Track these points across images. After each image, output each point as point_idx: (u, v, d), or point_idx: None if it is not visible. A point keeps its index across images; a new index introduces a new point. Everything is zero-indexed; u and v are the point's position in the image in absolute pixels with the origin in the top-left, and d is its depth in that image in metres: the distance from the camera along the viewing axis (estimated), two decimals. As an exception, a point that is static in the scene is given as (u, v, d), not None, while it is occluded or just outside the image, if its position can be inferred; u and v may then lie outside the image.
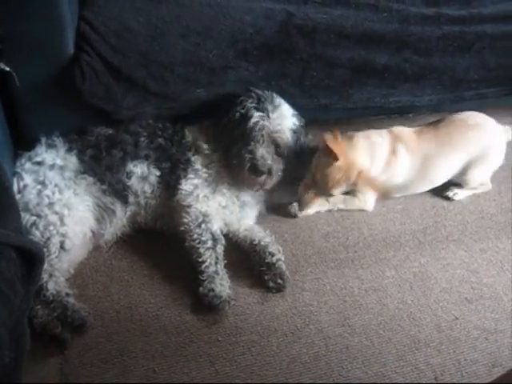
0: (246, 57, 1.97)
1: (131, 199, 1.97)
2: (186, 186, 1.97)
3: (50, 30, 1.80)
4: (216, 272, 1.83)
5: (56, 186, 1.85)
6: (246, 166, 1.93)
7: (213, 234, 1.91)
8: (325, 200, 2.16)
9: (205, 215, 1.93)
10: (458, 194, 2.30)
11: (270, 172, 1.96)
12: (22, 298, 1.26)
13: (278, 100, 2.01)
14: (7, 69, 1.82)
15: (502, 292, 1.95)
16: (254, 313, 1.82)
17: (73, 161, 1.93)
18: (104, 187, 1.93)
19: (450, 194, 2.30)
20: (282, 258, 1.94)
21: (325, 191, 2.07)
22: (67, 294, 1.74)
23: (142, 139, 1.99)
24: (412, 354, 1.74)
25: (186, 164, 2.00)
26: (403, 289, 1.93)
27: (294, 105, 2.07)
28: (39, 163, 1.89)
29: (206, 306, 1.79)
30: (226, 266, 1.90)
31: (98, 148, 1.96)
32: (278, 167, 1.99)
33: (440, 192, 2.32)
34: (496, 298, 1.93)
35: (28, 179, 1.85)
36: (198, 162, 2.00)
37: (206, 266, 1.84)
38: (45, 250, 1.73)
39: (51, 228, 1.78)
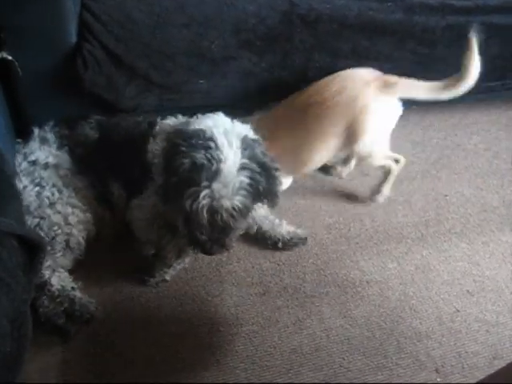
0: (248, 47, 1.96)
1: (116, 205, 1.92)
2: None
3: (52, 18, 1.79)
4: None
5: (54, 185, 1.82)
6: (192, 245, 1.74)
7: None
8: None
9: None
10: None
11: (223, 247, 1.72)
12: (24, 287, 1.26)
13: (223, 152, 1.61)
14: (9, 57, 1.81)
15: (504, 285, 1.94)
16: (256, 304, 1.82)
17: (65, 158, 1.88)
18: (95, 192, 1.90)
19: None
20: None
21: None
22: (73, 288, 1.74)
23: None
24: (413, 346, 1.74)
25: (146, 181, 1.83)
26: (405, 281, 1.93)
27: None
28: (34, 162, 1.85)
29: None
30: (230, 261, 1.91)
31: (86, 150, 1.89)
32: (231, 236, 1.71)
33: (442, 184, 2.32)
34: (498, 290, 1.92)
35: (26, 181, 1.81)
36: (153, 186, 1.81)
37: None
38: (49, 248, 1.72)
39: (55, 228, 1.76)
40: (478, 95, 2.37)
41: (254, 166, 1.64)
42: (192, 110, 1.97)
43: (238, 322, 1.77)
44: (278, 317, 1.79)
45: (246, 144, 1.66)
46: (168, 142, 1.71)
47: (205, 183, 1.57)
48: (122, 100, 1.97)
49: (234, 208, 1.61)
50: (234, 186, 1.59)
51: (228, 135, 1.64)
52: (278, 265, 1.95)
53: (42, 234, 1.73)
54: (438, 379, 1.68)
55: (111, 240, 1.93)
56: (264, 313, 1.80)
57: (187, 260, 1.88)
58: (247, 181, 1.62)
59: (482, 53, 1.83)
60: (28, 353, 1.16)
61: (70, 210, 1.80)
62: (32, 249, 1.35)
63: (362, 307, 1.84)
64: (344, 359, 1.70)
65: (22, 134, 1.96)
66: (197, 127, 1.68)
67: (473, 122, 2.46)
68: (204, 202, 1.58)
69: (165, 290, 1.84)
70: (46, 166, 1.85)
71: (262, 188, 1.66)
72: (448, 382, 1.67)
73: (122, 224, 1.90)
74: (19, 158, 1.88)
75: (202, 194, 1.57)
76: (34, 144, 1.90)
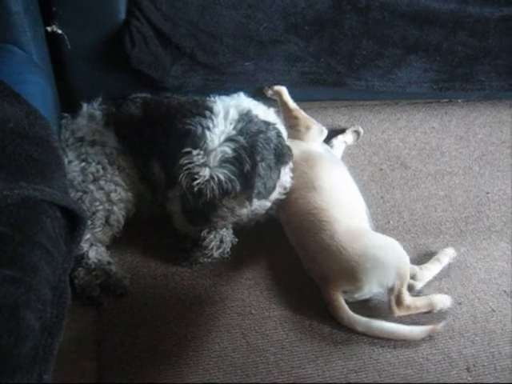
0: (296, 31, 1.94)
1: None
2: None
3: (102, -6, 1.81)
4: None
5: (99, 163, 1.84)
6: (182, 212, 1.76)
7: None
8: None
9: None
10: None
11: (206, 222, 1.72)
12: (65, 256, 1.29)
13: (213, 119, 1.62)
14: (59, 31, 1.84)
15: (542, 287, 1.90)
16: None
17: (111, 137, 1.90)
18: (138, 172, 1.92)
19: None
20: None
21: None
22: (109, 263, 1.77)
23: None
24: (445, 343, 1.72)
25: None
26: (440, 276, 1.89)
27: (340, 84, 2.02)
28: (81, 139, 1.88)
29: None
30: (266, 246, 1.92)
31: (131, 129, 1.91)
32: (217, 214, 1.70)
33: (484, 181, 2.26)
34: (536, 292, 1.88)
35: (71, 156, 1.84)
36: None
37: None
38: (89, 222, 1.74)
39: (97, 204, 1.79)
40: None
41: (241, 139, 1.59)
42: (235, 92, 1.97)
43: (271, 306, 1.77)
44: (311, 303, 1.78)
45: (243, 118, 1.63)
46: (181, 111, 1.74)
47: (187, 149, 1.58)
48: (168, 79, 1.98)
49: (212, 178, 1.58)
50: (215, 156, 1.57)
51: (229, 107, 1.64)
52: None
53: (84, 208, 1.75)
54: (469, 378, 1.65)
55: (149, 218, 1.95)
56: (296, 298, 1.80)
57: (228, 249, 1.86)
58: (231, 153, 1.59)
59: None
60: (66, 320, 1.19)
61: (112, 187, 1.82)
62: (73, 220, 1.38)
63: (395, 300, 1.82)
64: (374, 350, 1.69)
65: (68, 107, 1.99)
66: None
67: (520, 119, 2.39)
68: (184, 167, 1.58)
69: (199, 269, 1.85)
70: (93, 143, 1.88)
71: (246, 170, 1.61)
72: (479, 382, 1.64)
73: (161, 205, 1.91)
74: (67, 133, 1.90)
75: (182, 159, 1.58)
76: (82, 120, 1.92)
